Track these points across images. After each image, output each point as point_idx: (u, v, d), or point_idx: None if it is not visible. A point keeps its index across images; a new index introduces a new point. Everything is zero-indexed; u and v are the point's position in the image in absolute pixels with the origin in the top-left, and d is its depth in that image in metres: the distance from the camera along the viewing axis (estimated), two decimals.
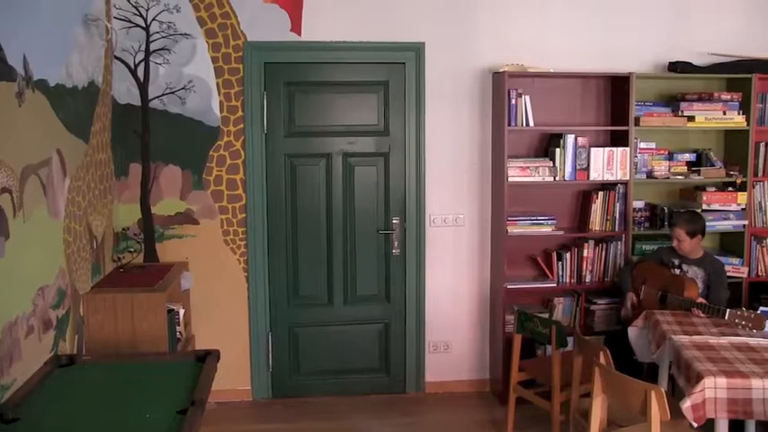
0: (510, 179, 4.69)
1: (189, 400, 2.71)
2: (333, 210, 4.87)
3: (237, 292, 4.88)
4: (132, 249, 4.60)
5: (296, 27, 4.72)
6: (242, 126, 4.74)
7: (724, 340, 3.64)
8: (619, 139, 4.87)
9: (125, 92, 4.60)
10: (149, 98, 4.64)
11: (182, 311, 4.38)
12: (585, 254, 4.90)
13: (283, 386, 4.97)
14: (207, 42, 4.66)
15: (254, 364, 4.95)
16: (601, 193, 4.87)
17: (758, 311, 3.83)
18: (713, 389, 3.16)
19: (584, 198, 4.99)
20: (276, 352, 4.96)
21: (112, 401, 2.80)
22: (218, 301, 4.86)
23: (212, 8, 4.63)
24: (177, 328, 4.29)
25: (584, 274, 4.92)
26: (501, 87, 4.68)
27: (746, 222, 4.90)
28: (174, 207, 4.76)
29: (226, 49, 4.68)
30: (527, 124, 4.71)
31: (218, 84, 4.70)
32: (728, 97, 4.87)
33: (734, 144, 5.03)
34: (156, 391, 2.90)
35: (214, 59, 4.68)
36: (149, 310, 3.88)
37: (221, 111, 4.72)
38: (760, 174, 4.95)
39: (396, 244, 4.92)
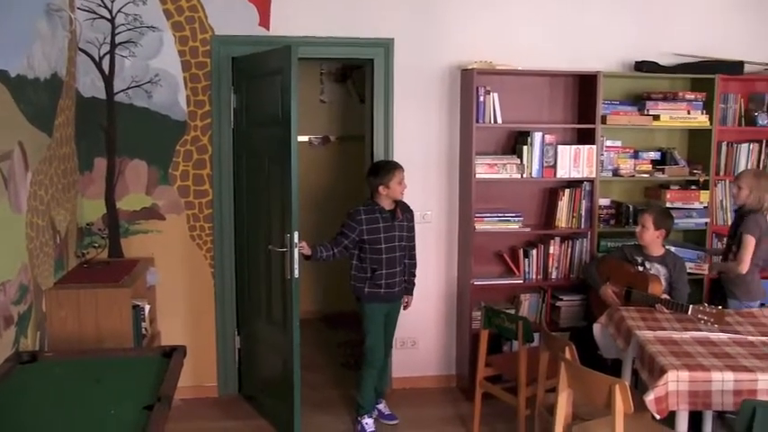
0: (477, 176, 4.71)
1: (154, 396, 2.68)
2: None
3: (204, 288, 4.84)
4: (97, 245, 4.53)
5: (264, 21, 4.69)
6: (209, 121, 4.70)
7: (686, 335, 3.72)
8: (585, 137, 4.92)
9: (90, 85, 4.53)
10: (115, 91, 4.57)
11: (147, 307, 4.33)
12: (552, 251, 4.95)
13: (251, 382, 4.93)
14: (174, 36, 4.61)
15: (221, 361, 4.92)
16: (567, 191, 4.92)
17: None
18: (676, 382, 3.24)
19: (551, 195, 5.04)
20: (244, 348, 4.92)
21: (76, 398, 2.76)
22: (185, 298, 4.82)
23: (179, 1, 4.58)
24: (143, 324, 4.24)
25: (550, 270, 4.96)
26: (469, 84, 4.70)
27: (708, 220, 4.99)
28: (139, 202, 4.70)
29: (193, 43, 4.63)
30: (495, 121, 4.74)
31: (185, 78, 4.65)
32: (693, 97, 4.95)
33: (697, 143, 5.12)
34: (121, 387, 2.87)
35: (181, 53, 4.63)
36: (114, 307, 3.84)
37: (188, 105, 4.68)
38: (722, 173, 5.04)
39: None
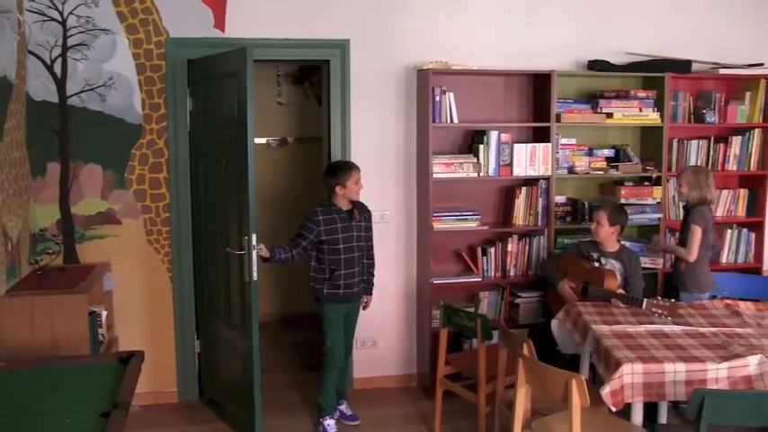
0: (435, 175, 4.75)
1: (111, 402, 2.65)
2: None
3: (162, 293, 4.80)
4: (51, 251, 4.47)
5: (219, 23, 4.66)
6: (165, 124, 4.66)
7: (641, 328, 3.79)
8: (541, 136, 4.99)
9: (41, 88, 4.46)
10: (67, 95, 4.51)
11: (104, 313, 4.28)
12: (509, 248, 5.00)
13: (212, 387, 4.89)
14: (128, 38, 4.56)
15: (180, 365, 4.88)
16: (524, 189, 4.98)
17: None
18: (630, 374, 3.30)
19: (508, 193, 5.09)
20: (204, 352, 4.89)
21: (30, 407, 2.72)
22: (143, 302, 4.78)
23: (133, 3, 4.54)
24: (99, 330, 4.18)
25: (508, 268, 5.02)
26: (425, 84, 4.73)
27: (661, 216, 5.09)
28: (94, 207, 4.64)
29: (148, 46, 4.59)
30: (451, 121, 4.77)
31: (139, 81, 4.61)
32: (644, 95, 5.05)
33: (649, 140, 5.22)
34: (77, 394, 2.83)
35: (135, 56, 4.58)
36: (69, 313, 3.79)
37: (143, 108, 4.63)
38: (674, 169, 5.15)
39: None
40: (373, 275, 4.56)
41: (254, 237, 4.05)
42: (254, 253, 4.06)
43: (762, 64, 5.23)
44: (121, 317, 4.71)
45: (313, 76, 6.63)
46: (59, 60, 4.48)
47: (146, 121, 4.64)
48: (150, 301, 4.79)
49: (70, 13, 4.45)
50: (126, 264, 4.70)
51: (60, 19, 4.45)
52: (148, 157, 4.67)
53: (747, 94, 5.24)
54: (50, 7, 4.43)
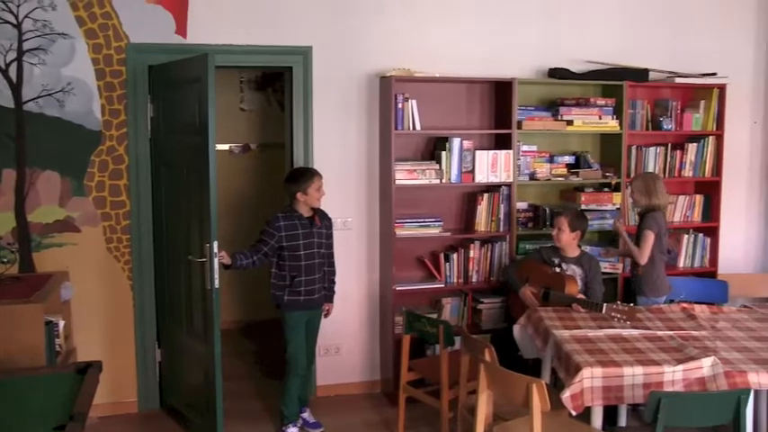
0: (397, 182, 4.76)
1: (67, 415, 2.61)
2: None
3: (122, 301, 4.73)
4: (6, 260, 4.37)
5: (181, 29, 4.62)
6: (125, 130, 4.60)
7: (601, 333, 3.86)
8: (502, 143, 5.03)
9: None
10: (23, 100, 4.42)
11: (62, 323, 4.19)
12: (472, 254, 5.03)
13: (173, 396, 4.84)
14: (87, 43, 4.50)
15: (141, 375, 4.82)
16: (486, 195, 5.02)
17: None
18: (590, 378, 3.35)
19: (470, 200, 5.12)
20: (165, 360, 4.83)
21: None
22: (102, 311, 4.70)
23: (92, 7, 4.47)
24: (56, 340, 4.10)
25: (470, 274, 5.04)
26: (388, 91, 4.74)
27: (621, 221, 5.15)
28: (52, 214, 4.56)
29: (107, 51, 4.53)
30: (414, 128, 4.79)
31: (99, 86, 4.54)
32: (603, 103, 5.12)
33: (609, 147, 5.30)
34: (31, 407, 2.78)
35: (95, 61, 4.52)
36: (25, 323, 3.70)
37: (103, 114, 4.57)
38: (632, 175, 5.21)
39: None
40: (334, 283, 4.55)
41: (215, 244, 4.02)
42: (216, 260, 4.03)
43: (715, 74, 5.35)
44: (80, 326, 4.63)
45: (276, 83, 6.62)
46: (15, 65, 4.39)
47: (105, 127, 4.58)
48: (110, 309, 4.72)
49: (26, 16, 4.38)
50: (85, 272, 4.62)
51: (15, 22, 4.37)
52: (108, 164, 4.61)
53: (702, 103, 5.36)
54: (4, 10, 4.34)
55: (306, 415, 4.60)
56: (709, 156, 5.40)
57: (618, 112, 5.13)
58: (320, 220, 4.39)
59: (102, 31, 4.51)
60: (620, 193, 5.15)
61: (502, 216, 5.03)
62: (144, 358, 4.81)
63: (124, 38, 4.55)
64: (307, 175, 4.31)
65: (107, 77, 4.55)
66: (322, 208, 4.45)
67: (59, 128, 4.50)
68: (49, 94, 4.47)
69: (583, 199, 5.10)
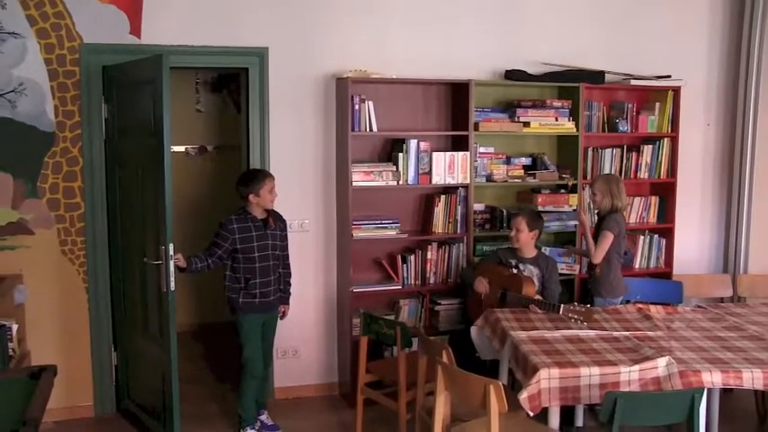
0: (354, 184, 4.76)
1: (20, 420, 2.56)
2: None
3: (77, 304, 4.67)
4: None
5: (135, 29, 4.58)
6: (79, 132, 4.55)
7: (557, 334, 3.88)
8: (459, 144, 5.06)
9: None
10: None
11: (15, 327, 4.15)
12: (429, 256, 5.05)
13: (129, 399, 4.78)
14: (39, 43, 4.43)
15: (97, 378, 4.76)
16: (443, 197, 5.04)
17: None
18: (547, 379, 3.37)
19: (427, 201, 5.15)
20: (121, 364, 4.78)
21: None
22: (57, 315, 4.64)
23: (43, 7, 4.41)
24: (9, 344, 4.06)
25: (428, 275, 5.06)
26: (344, 93, 4.74)
27: (577, 222, 5.21)
28: (5, 217, 4.49)
29: (60, 51, 4.48)
30: (370, 129, 4.80)
31: (52, 87, 4.48)
32: (560, 104, 5.17)
33: (565, 149, 5.36)
34: None
35: (47, 61, 4.46)
36: None
37: (57, 115, 4.51)
38: (588, 176, 5.28)
39: None
40: (290, 284, 4.55)
41: (171, 246, 4.00)
42: (172, 263, 4.00)
43: (669, 76, 5.43)
44: (34, 330, 4.57)
45: (232, 84, 6.58)
46: None
47: (59, 128, 4.52)
48: (65, 313, 4.66)
49: None
50: (39, 275, 4.56)
51: None
52: (62, 166, 4.55)
53: (657, 105, 5.44)
54: None
55: (264, 417, 4.58)
56: (664, 158, 5.49)
57: (574, 114, 5.19)
58: (274, 222, 4.38)
59: (54, 31, 4.45)
60: (576, 195, 5.20)
61: (459, 218, 5.05)
62: (100, 362, 4.75)
63: (77, 38, 4.49)
64: (258, 177, 4.29)
65: (60, 78, 4.49)
66: (278, 210, 4.44)
67: (11, 129, 4.43)
68: (1, 95, 4.40)
69: (540, 200, 5.14)
